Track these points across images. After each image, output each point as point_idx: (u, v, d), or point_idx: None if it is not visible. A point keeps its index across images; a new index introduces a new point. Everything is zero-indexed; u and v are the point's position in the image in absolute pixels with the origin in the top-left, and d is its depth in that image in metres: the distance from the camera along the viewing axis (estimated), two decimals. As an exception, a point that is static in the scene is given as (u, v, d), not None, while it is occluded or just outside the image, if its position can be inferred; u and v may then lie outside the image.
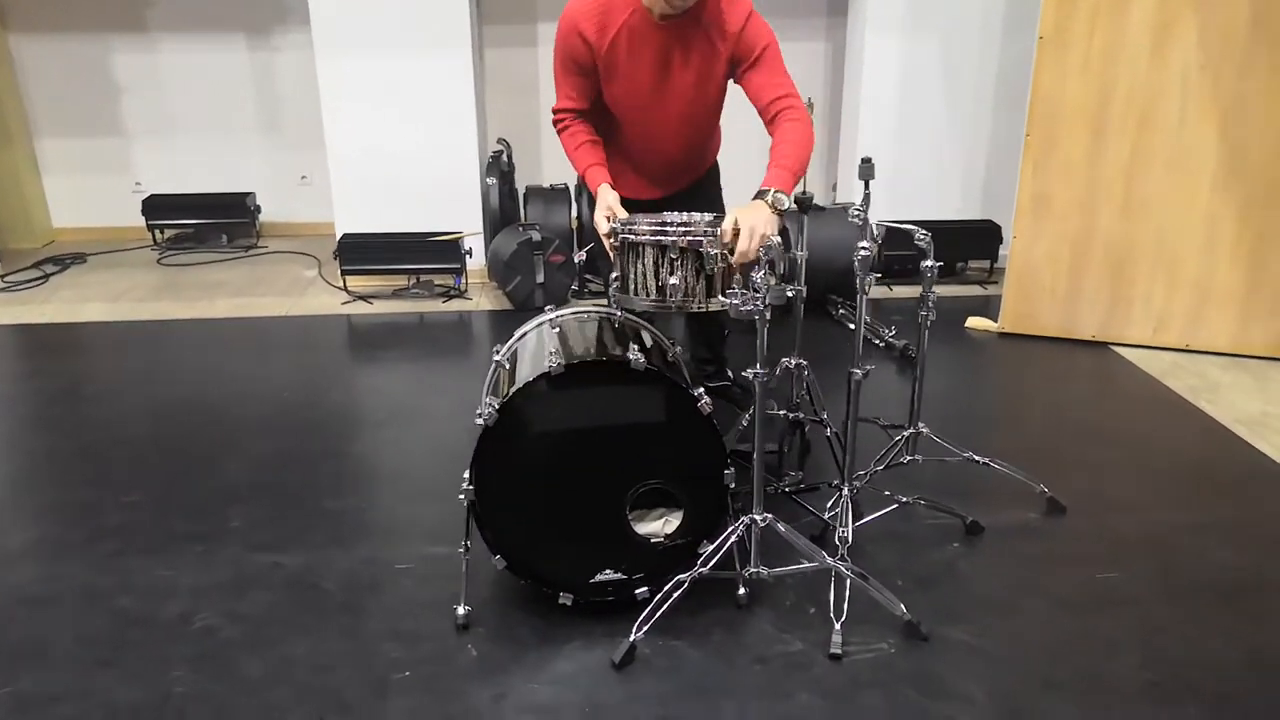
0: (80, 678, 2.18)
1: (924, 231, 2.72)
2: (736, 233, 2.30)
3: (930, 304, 2.81)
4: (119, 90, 6.05)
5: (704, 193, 3.03)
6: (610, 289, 2.47)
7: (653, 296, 2.35)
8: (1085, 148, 3.92)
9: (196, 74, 6.03)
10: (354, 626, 2.36)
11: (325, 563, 2.63)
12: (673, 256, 2.30)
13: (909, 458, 2.93)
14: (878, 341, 4.18)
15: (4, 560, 2.65)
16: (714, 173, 3.11)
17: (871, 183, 2.41)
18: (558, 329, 2.54)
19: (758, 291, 2.15)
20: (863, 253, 2.38)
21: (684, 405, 2.27)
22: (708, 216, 2.60)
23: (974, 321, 4.44)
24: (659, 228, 2.32)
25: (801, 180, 2.60)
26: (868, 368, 2.60)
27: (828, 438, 2.92)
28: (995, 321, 4.35)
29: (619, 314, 2.60)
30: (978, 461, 2.88)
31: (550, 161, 6.13)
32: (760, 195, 2.39)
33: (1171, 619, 2.36)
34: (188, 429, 3.50)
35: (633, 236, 2.32)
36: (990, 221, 5.07)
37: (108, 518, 2.87)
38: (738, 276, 2.33)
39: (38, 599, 2.48)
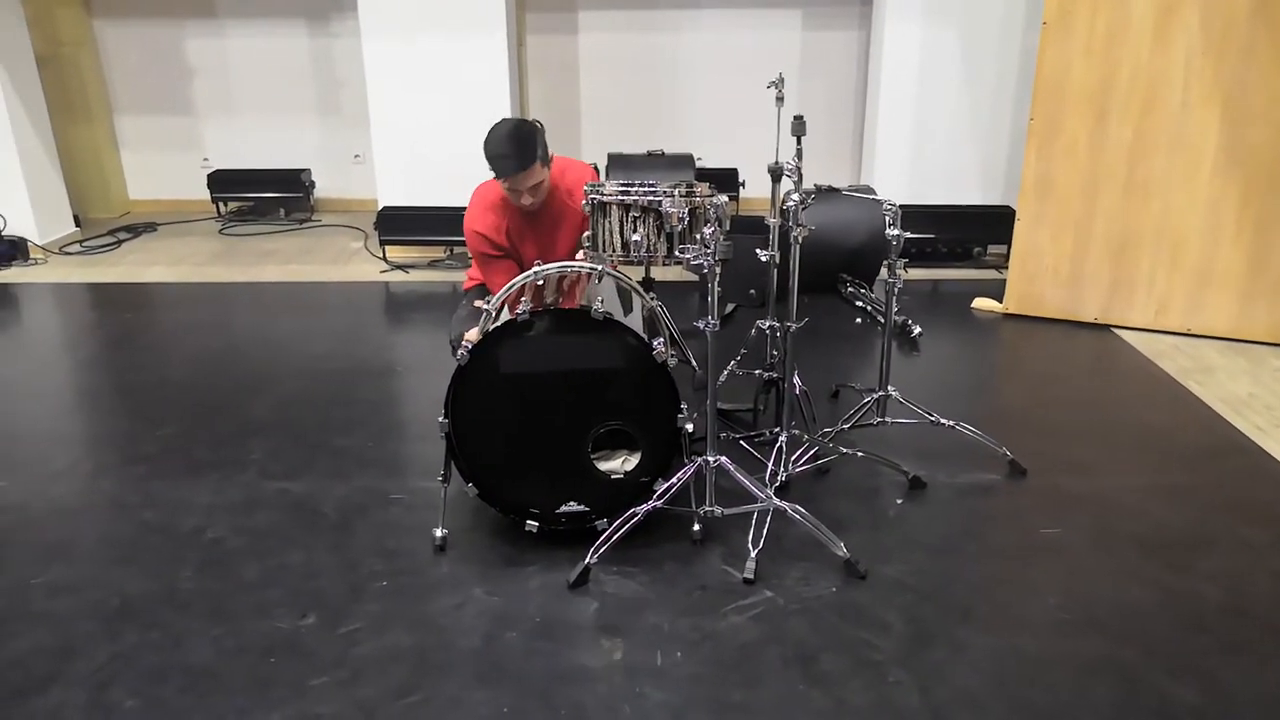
0: (101, 572, 2.50)
1: (891, 202, 2.86)
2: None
3: (897, 272, 2.94)
4: (190, 72, 6.48)
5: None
6: (582, 247, 2.68)
7: (619, 252, 2.56)
8: (1089, 131, 3.98)
9: (261, 58, 6.43)
10: (344, 543, 2.63)
11: (327, 490, 2.91)
12: (635, 215, 2.50)
13: (879, 419, 3.08)
14: (878, 318, 4.30)
15: (48, 476, 3.00)
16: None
17: (803, 140, 2.56)
18: (541, 281, 2.76)
19: (708, 247, 2.35)
20: (793, 199, 2.53)
21: (641, 353, 2.47)
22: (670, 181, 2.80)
23: (980, 302, 4.53)
24: (624, 188, 2.52)
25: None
26: (800, 321, 2.77)
27: (796, 396, 3.08)
28: (1000, 303, 4.44)
29: (600, 269, 2.81)
30: (943, 424, 3.02)
31: (588, 143, 6.37)
32: None
33: (1097, 567, 2.48)
34: (224, 374, 3.84)
35: (600, 196, 2.53)
36: (1008, 207, 5.13)
37: (143, 446, 3.20)
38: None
39: (72, 509, 2.82)
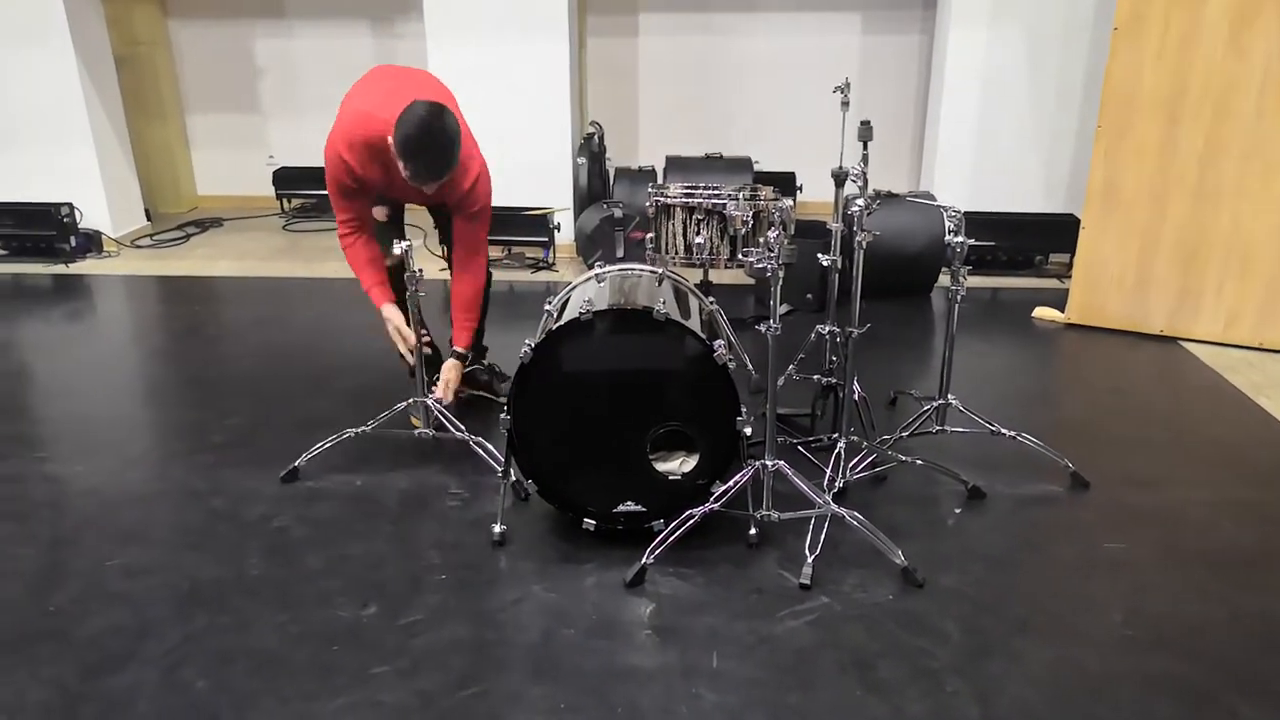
0: (173, 557, 2.58)
1: (955, 209, 2.83)
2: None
3: (961, 280, 2.90)
4: (259, 71, 6.64)
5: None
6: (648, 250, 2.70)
7: (681, 254, 2.57)
8: (1158, 138, 3.91)
9: (326, 58, 6.56)
10: (405, 536, 2.68)
11: (388, 483, 2.96)
12: (699, 218, 2.51)
13: (938, 428, 3.05)
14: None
15: (123, 463, 3.10)
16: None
17: (871, 146, 2.55)
18: (603, 282, 2.79)
19: (772, 250, 2.35)
20: (857, 205, 2.52)
21: (702, 356, 2.48)
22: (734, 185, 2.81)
23: (1040, 311, 4.46)
24: (688, 191, 2.54)
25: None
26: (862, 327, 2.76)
27: (855, 401, 3.06)
28: (1062, 312, 4.37)
29: (660, 271, 2.83)
30: (1004, 434, 2.98)
31: (645, 144, 6.40)
32: (454, 354, 3.02)
33: (1163, 583, 2.43)
34: (287, 367, 3.93)
35: (665, 199, 2.55)
36: (1071, 215, 5.04)
37: (211, 435, 3.29)
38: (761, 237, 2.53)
39: (145, 496, 2.91)
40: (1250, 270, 3.91)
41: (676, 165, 5.48)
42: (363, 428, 3.01)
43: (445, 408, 2.94)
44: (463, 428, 2.97)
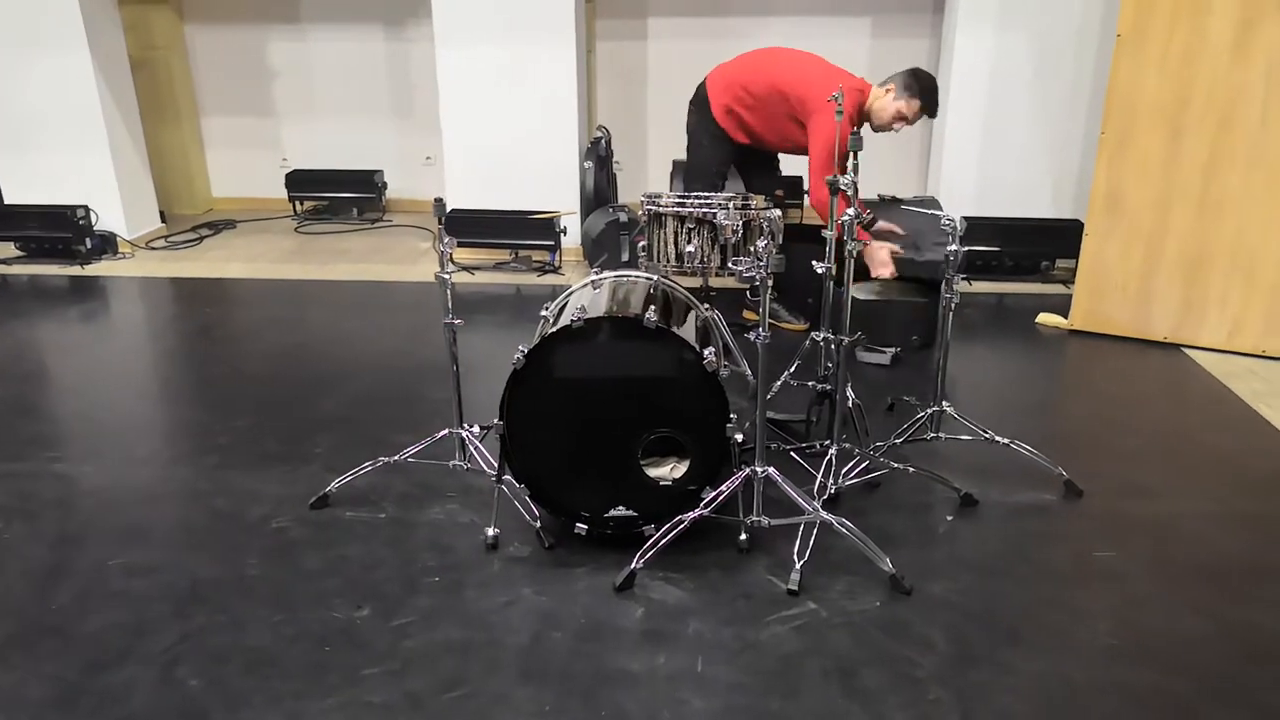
0: (174, 556, 2.63)
1: (950, 216, 2.84)
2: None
3: (954, 287, 2.92)
4: (272, 75, 6.72)
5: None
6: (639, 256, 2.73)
7: (672, 262, 2.60)
8: (1162, 146, 3.90)
9: (339, 61, 6.63)
10: (400, 538, 2.72)
11: (386, 486, 3.00)
12: (690, 226, 2.54)
13: (933, 435, 3.07)
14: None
15: (129, 463, 3.17)
16: None
17: (859, 157, 2.56)
18: (599, 289, 2.82)
19: (760, 259, 2.37)
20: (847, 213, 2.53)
21: (691, 363, 2.51)
22: (725, 194, 2.83)
23: (1044, 318, 4.46)
24: (679, 200, 2.56)
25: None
26: (861, 340, 2.76)
27: (849, 408, 3.08)
28: (1066, 319, 4.36)
29: (655, 278, 2.86)
30: (998, 442, 2.99)
31: (655, 149, 6.43)
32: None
33: (1152, 594, 2.44)
34: (295, 369, 3.99)
35: (656, 208, 2.58)
36: (1078, 221, 5.02)
37: (216, 437, 3.35)
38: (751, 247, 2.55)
39: (150, 495, 2.97)
40: (1254, 279, 3.89)
41: (683, 170, 5.48)
42: (395, 457, 2.92)
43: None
44: (494, 464, 2.74)
